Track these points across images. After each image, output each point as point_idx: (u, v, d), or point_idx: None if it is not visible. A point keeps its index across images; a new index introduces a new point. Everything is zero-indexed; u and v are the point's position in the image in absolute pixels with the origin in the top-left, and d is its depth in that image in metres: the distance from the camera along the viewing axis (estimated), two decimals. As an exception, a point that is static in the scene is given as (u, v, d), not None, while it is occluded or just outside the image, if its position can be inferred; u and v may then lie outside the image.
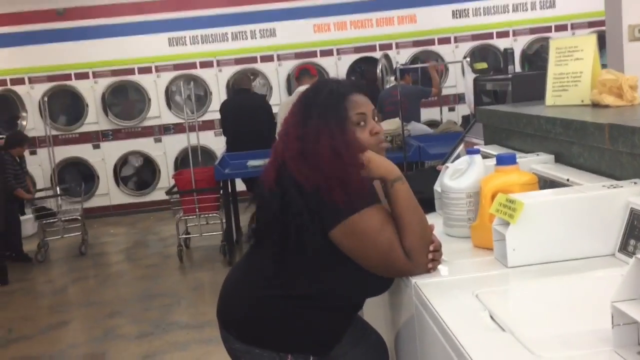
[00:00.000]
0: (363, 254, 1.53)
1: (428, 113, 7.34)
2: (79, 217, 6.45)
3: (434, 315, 1.32)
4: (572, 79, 2.20)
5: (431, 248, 1.53)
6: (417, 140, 5.20)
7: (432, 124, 6.81)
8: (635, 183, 1.53)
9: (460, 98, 8.03)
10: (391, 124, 5.16)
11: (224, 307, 1.76)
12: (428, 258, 1.52)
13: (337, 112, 1.57)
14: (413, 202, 1.54)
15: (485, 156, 1.98)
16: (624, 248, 1.46)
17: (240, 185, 6.19)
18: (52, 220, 6.49)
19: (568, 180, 1.73)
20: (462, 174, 1.83)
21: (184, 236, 5.96)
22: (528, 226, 1.48)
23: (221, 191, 5.62)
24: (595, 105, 2.08)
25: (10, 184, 6.05)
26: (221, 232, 5.65)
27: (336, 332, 1.70)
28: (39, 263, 6.11)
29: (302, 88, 4.82)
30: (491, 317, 1.24)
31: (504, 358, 1.10)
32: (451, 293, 1.45)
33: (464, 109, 7.44)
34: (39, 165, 7.97)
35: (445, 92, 7.73)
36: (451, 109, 8.16)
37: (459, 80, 8.04)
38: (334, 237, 1.53)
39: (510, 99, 2.84)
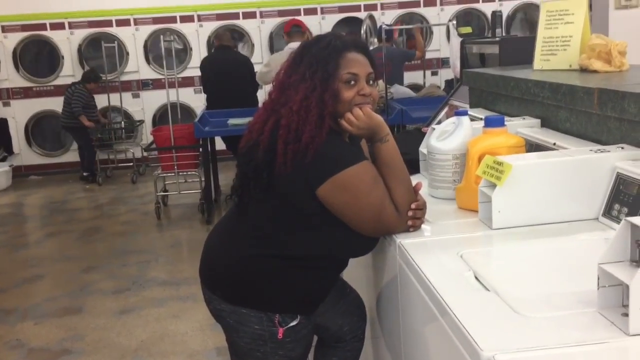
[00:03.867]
0: (355, 209, 1.52)
1: (411, 76, 7.29)
2: (133, 152, 7.41)
3: (418, 274, 1.32)
4: (562, 43, 2.18)
5: (413, 206, 1.54)
6: (400, 103, 5.16)
7: (414, 87, 6.76)
8: (622, 148, 1.53)
9: (443, 62, 7.97)
10: (374, 86, 5.10)
11: (208, 268, 1.72)
12: (408, 216, 1.53)
13: (326, 66, 1.54)
14: (400, 157, 1.59)
15: (471, 119, 1.97)
16: (608, 212, 1.46)
17: (220, 144, 6.12)
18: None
19: (554, 144, 1.72)
20: (449, 136, 1.82)
21: (162, 193, 5.90)
22: (514, 188, 1.48)
23: (200, 149, 5.55)
24: (584, 70, 2.07)
25: (76, 109, 6.87)
26: (200, 191, 5.60)
27: (322, 291, 1.70)
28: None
29: (294, 45, 4.72)
30: (475, 277, 1.25)
31: (488, 317, 1.10)
32: (435, 253, 1.45)
33: (447, 73, 7.39)
34: (13, 118, 7.79)
35: (428, 55, 7.67)
36: (434, 73, 8.11)
37: (443, 44, 7.97)
38: (321, 194, 1.51)
39: (497, 63, 2.81)
